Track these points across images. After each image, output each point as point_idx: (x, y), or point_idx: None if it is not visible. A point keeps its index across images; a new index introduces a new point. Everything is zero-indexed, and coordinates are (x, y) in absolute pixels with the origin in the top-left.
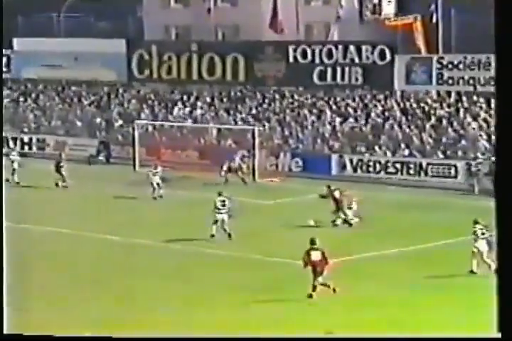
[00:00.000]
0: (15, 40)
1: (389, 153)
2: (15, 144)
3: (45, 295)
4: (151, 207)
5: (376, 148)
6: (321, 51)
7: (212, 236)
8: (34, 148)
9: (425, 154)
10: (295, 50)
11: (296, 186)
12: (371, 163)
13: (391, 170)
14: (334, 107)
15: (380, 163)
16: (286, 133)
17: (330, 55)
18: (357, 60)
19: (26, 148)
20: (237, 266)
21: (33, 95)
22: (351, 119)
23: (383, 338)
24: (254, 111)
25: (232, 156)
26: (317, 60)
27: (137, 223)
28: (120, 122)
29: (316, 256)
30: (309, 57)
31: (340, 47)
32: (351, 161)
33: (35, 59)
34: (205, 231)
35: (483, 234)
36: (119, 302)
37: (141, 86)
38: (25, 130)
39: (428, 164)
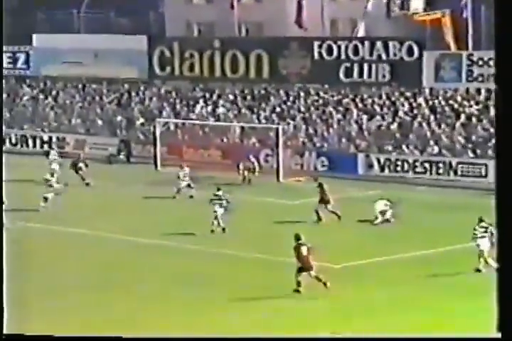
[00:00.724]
0: (34, 37)
1: (417, 152)
2: (34, 143)
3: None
4: (175, 207)
5: (404, 146)
6: (347, 47)
7: (212, 231)
8: (54, 147)
9: (455, 153)
10: (320, 46)
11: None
12: (399, 163)
13: (419, 169)
14: (360, 105)
15: (408, 162)
16: (311, 131)
17: (356, 51)
18: (384, 57)
19: (46, 146)
20: (265, 268)
21: (53, 93)
22: (378, 117)
23: (383, 338)
24: (278, 109)
25: (251, 155)
26: (343, 57)
27: (159, 224)
28: (141, 120)
29: (304, 251)
30: (335, 53)
31: (366, 43)
32: (378, 160)
33: (54, 56)
34: (228, 234)
35: (485, 232)
36: (143, 302)
37: (163, 83)
38: (45, 129)
39: (458, 163)
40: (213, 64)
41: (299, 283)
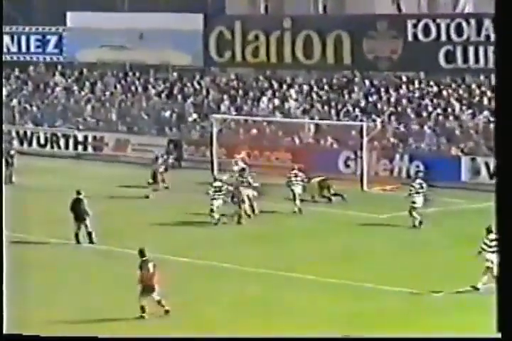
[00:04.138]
0: (69, 15)
1: None
2: (66, 143)
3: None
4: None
5: None
6: (448, 26)
7: (216, 223)
8: (89, 149)
9: None
10: (415, 26)
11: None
12: None
13: None
14: (465, 96)
15: None
16: (403, 129)
17: (460, 31)
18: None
19: (80, 148)
20: (338, 294)
21: (90, 82)
22: (486, 112)
23: (383, 338)
24: (362, 103)
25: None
26: (443, 38)
27: (215, 243)
28: (194, 116)
29: (151, 268)
30: (433, 34)
31: (472, 21)
32: (487, 165)
33: (92, 38)
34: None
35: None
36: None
37: (221, 71)
38: (80, 126)
39: None
40: (283, 47)
41: (143, 308)
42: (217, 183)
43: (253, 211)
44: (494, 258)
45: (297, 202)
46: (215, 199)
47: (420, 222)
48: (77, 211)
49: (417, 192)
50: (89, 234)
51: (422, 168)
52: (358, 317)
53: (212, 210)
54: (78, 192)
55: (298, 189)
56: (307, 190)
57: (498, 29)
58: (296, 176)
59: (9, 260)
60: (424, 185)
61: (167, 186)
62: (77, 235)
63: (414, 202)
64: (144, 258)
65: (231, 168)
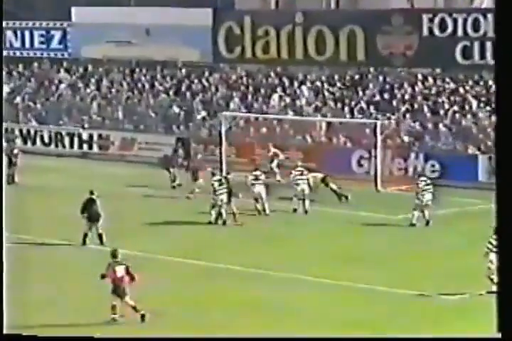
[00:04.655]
0: (73, 10)
1: None
2: (71, 142)
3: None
4: (252, 226)
5: None
6: (465, 21)
7: (216, 223)
8: (95, 147)
9: None
10: (431, 21)
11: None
12: None
13: None
14: (483, 93)
15: None
16: (418, 128)
17: (477, 26)
18: None
19: (85, 147)
20: (359, 299)
21: (95, 79)
22: None
23: (383, 338)
24: (376, 100)
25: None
26: (460, 33)
27: (221, 247)
28: (203, 114)
29: (120, 271)
30: (450, 29)
31: (490, 16)
32: None
33: (98, 33)
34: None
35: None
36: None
37: (231, 68)
38: (85, 124)
39: None
40: (294, 43)
41: (113, 308)
42: (217, 177)
43: (264, 210)
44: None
45: (306, 202)
46: (220, 194)
47: (427, 222)
48: (90, 211)
49: (423, 190)
50: (100, 235)
51: (437, 167)
52: (369, 321)
53: (213, 206)
54: (91, 192)
55: (305, 187)
56: (313, 188)
57: (498, 26)
58: (301, 174)
59: (10, 260)
60: (430, 182)
61: (180, 184)
62: (85, 236)
63: (420, 200)
64: (115, 260)
65: (241, 167)
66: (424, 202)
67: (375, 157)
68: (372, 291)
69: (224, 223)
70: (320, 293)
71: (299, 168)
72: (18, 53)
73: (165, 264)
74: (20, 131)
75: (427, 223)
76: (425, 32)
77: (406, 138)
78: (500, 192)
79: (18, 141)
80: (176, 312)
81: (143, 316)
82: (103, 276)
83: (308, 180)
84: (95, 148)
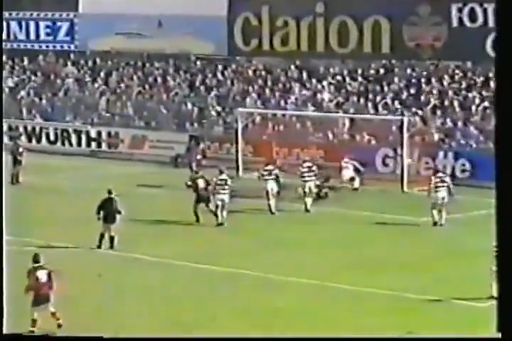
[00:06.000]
0: (81, 0)
1: None
2: (79, 139)
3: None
4: (263, 227)
5: None
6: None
7: (220, 224)
8: (104, 146)
9: None
10: (461, 10)
11: (461, 198)
12: None
13: None
14: None
15: None
16: (449, 124)
17: None
18: None
19: (93, 145)
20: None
21: (104, 73)
22: None
23: (383, 338)
24: (402, 95)
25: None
26: (491, 24)
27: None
28: (218, 109)
29: (41, 276)
30: (480, 19)
31: None
32: None
33: (106, 25)
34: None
35: None
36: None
37: (247, 61)
38: (93, 121)
39: None
40: (315, 35)
41: (34, 321)
42: (223, 176)
43: (270, 210)
44: None
45: (308, 199)
46: (221, 194)
47: (435, 223)
48: (108, 212)
49: (436, 187)
50: (112, 238)
51: (468, 166)
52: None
53: (217, 207)
54: (109, 192)
55: (311, 185)
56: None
57: (499, 21)
58: (309, 171)
59: (10, 261)
60: (447, 179)
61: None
62: (102, 236)
63: (435, 199)
64: (36, 265)
65: (258, 166)
66: (439, 200)
67: (401, 156)
68: (398, 298)
69: (220, 224)
70: (346, 299)
71: (307, 163)
72: (22, 45)
73: (176, 268)
74: (25, 127)
75: (440, 225)
76: (454, 22)
77: (434, 136)
78: (500, 193)
79: (23, 139)
80: (182, 316)
81: (59, 325)
82: (28, 289)
83: (316, 176)
84: (104, 146)
